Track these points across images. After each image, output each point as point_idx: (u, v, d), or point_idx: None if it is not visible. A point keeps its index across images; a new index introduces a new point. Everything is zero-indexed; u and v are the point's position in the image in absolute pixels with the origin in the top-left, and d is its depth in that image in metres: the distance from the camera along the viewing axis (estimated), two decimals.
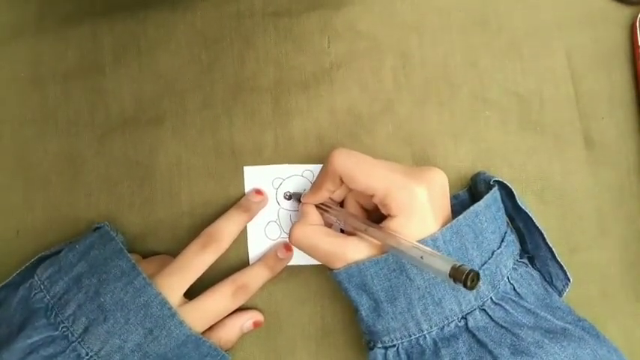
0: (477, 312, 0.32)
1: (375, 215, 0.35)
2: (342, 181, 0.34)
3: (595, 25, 0.41)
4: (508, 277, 0.33)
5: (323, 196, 0.35)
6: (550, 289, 0.35)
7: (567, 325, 0.32)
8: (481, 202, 0.33)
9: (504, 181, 0.35)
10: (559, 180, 0.40)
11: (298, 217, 0.36)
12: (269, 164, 0.40)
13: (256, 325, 0.38)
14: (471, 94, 0.40)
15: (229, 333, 0.37)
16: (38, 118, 0.41)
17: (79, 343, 0.32)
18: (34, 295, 0.34)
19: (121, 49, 0.41)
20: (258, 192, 0.39)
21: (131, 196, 0.40)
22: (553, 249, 0.35)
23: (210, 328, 0.36)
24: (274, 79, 0.40)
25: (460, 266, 0.26)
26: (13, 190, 0.40)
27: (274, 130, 0.40)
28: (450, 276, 0.26)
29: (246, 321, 0.37)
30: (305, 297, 0.39)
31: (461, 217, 0.32)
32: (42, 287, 0.34)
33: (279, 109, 0.40)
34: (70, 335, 0.32)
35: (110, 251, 0.34)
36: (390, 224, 0.32)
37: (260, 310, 0.39)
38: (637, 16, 0.40)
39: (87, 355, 0.32)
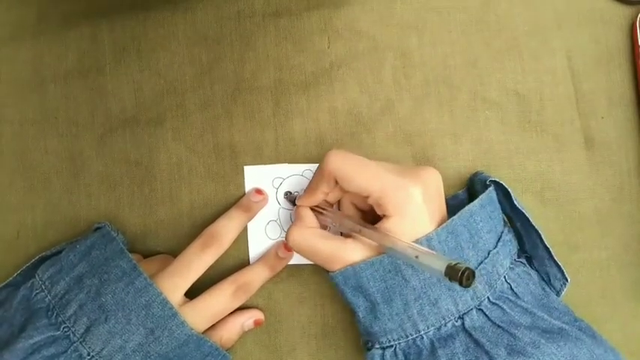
0: (474, 312, 0.32)
1: (371, 216, 0.35)
2: (336, 183, 0.34)
3: (595, 25, 0.41)
4: (505, 277, 0.33)
5: (318, 198, 0.35)
6: (548, 289, 0.35)
7: (564, 325, 0.32)
8: (476, 202, 0.33)
9: (500, 181, 0.35)
10: (559, 180, 0.40)
11: (294, 220, 0.36)
12: (269, 164, 0.40)
13: (257, 323, 0.38)
14: (470, 94, 0.40)
15: (230, 332, 0.37)
16: (38, 119, 0.41)
17: (80, 343, 0.32)
18: (35, 295, 0.34)
19: (121, 49, 0.41)
20: (259, 191, 0.39)
21: (131, 196, 0.40)
22: (550, 249, 0.35)
23: (212, 327, 0.36)
24: (274, 79, 0.40)
25: (456, 264, 0.26)
26: (13, 191, 0.40)
27: (274, 130, 0.40)
28: (445, 274, 0.26)
29: (247, 320, 0.37)
30: (305, 296, 0.39)
31: (456, 217, 0.32)
32: (43, 287, 0.34)
33: (279, 109, 0.40)
34: (71, 335, 0.32)
35: (111, 251, 0.34)
36: (385, 225, 0.32)
37: (260, 310, 0.39)
38: (637, 16, 0.40)
39: (88, 355, 0.32)
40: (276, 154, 0.40)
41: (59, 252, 0.36)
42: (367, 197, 0.33)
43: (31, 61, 0.42)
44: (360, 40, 0.41)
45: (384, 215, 0.32)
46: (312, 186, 0.35)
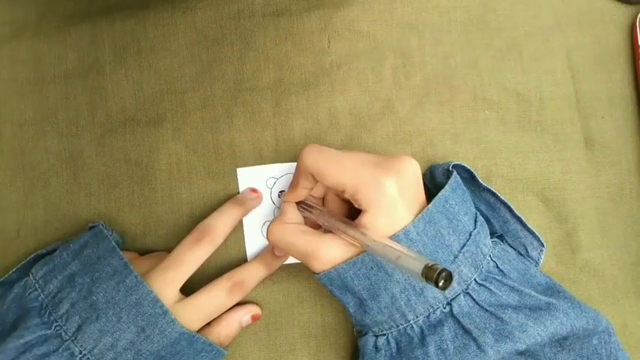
0: (462, 296, 0.31)
1: (355, 208, 0.34)
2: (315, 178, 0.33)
3: (595, 25, 0.41)
4: (490, 255, 0.33)
5: (301, 194, 0.35)
6: (527, 262, 0.35)
7: (552, 300, 0.32)
8: (447, 187, 0.33)
9: (462, 164, 0.36)
10: (559, 180, 0.40)
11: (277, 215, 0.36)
12: (264, 164, 0.39)
13: (255, 318, 0.38)
14: (470, 94, 0.40)
15: (229, 328, 0.36)
16: (38, 118, 0.41)
17: (72, 341, 0.32)
18: (29, 293, 0.34)
19: (121, 49, 0.41)
20: (254, 190, 0.39)
21: (131, 196, 0.40)
22: (522, 218, 0.35)
23: (209, 324, 0.36)
24: (274, 79, 0.40)
25: (432, 265, 0.26)
26: (13, 190, 0.40)
27: (274, 130, 0.40)
28: (422, 275, 0.26)
29: (245, 315, 0.37)
30: (305, 295, 0.39)
31: (430, 205, 0.32)
32: (36, 286, 0.34)
33: (279, 109, 0.40)
34: (63, 334, 0.32)
35: (103, 250, 0.34)
36: (362, 220, 0.31)
37: (260, 309, 0.38)
38: (637, 16, 0.40)
39: (80, 353, 0.32)
40: (276, 154, 0.40)
41: (54, 250, 0.36)
42: (343, 192, 0.32)
43: (31, 61, 0.42)
44: (360, 40, 0.41)
45: (362, 209, 0.32)
46: (293, 182, 0.35)
